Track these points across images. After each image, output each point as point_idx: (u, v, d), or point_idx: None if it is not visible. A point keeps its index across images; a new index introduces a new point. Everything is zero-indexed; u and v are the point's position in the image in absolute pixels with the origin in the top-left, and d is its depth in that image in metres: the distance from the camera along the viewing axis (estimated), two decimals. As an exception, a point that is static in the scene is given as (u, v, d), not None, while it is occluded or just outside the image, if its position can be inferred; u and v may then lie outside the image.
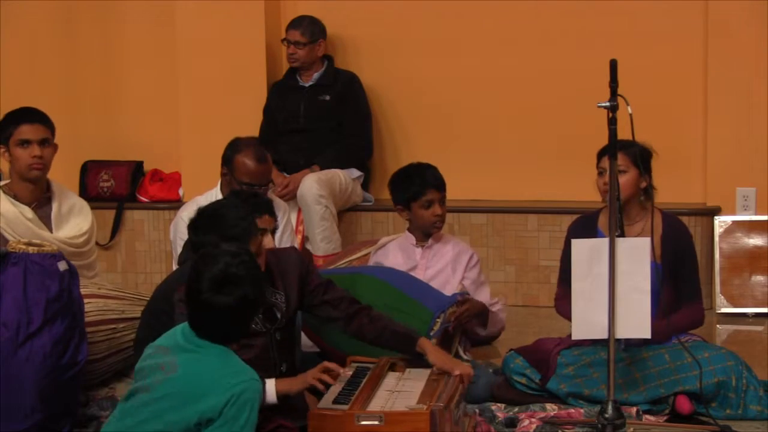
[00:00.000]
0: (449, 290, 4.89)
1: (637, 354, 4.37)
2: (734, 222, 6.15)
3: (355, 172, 6.60)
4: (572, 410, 4.30)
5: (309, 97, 6.63)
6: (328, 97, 6.61)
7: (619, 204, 4.09)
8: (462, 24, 6.76)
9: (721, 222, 6.16)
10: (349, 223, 6.62)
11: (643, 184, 4.48)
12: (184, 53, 6.98)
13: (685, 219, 5.02)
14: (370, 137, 6.72)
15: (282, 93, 6.72)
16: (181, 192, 6.99)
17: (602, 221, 4.52)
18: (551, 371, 4.42)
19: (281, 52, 6.98)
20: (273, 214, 4.36)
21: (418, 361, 3.89)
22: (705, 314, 4.59)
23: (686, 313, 4.48)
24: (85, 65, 7.45)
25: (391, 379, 3.81)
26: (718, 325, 5.89)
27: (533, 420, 4.20)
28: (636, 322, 3.97)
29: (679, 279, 4.48)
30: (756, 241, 6.11)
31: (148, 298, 4.49)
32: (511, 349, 4.61)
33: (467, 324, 4.83)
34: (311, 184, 6.24)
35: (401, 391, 3.69)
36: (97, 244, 5.16)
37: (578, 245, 4.03)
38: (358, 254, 5.34)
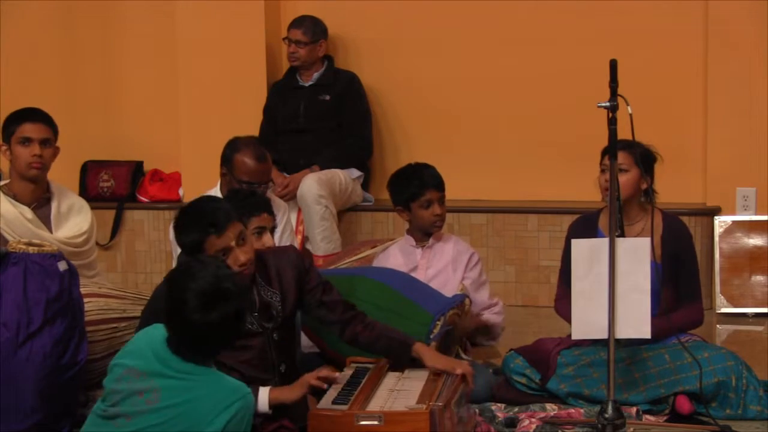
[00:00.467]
0: (449, 290, 4.88)
1: (637, 354, 4.37)
2: (734, 222, 6.15)
3: (355, 172, 6.60)
4: (572, 410, 4.30)
5: (309, 97, 6.63)
6: (328, 97, 6.61)
7: (619, 204, 4.09)
8: (462, 24, 6.76)
9: (721, 222, 6.16)
10: (349, 223, 6.62)
11: (644, 185, 4.48)
12: (184, 53, 6.98)
13: (685, 219, 5.01)
14: (370, 137, 6.73)
15: (282, 93, 6.72)
16: (181, 192, 7.00)
17: (602, 221, 4.52)
18: (551, 371, 4.42)
19: (281, 52, 6.99)
20: (271, 212, 4.36)
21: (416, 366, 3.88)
22: (704, 315, 4.59)
23: (685, 313, 4.48)
24: (85, 65, 7.45)
25: (390, 379, 3.81)
26: (718, 325, 5.89)
27: (533, 420, 4.20)
28: (636, 322, 3.96)
29: (679, 279, 4.48)
30: (756, 241, 6.11)
31: (148, 298, 4.49)
32: (511, 349, 4.61)
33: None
34: (311, 184, 6.24)
35: (401, 390, 3.69)
36: (97, 244, 5.16)
37: (578, 245, 4.03)
38: (358, 255, 5.34)
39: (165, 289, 3.27)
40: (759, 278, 6.05)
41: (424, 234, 5.07)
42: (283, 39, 6.72)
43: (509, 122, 6.72)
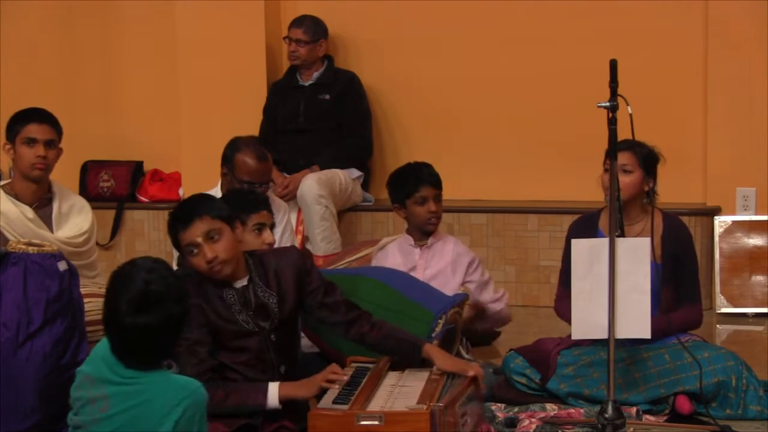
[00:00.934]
0: (448, 291, 4.88)
1: (637, 354, 4.36)
2: (734, 222, 6.15)
3: (355, 172, 6.60)
4: (572, 410, 4.30)
5: (309, 97, 6.63)
6: (327, 97, 6.61)
7: (619, 204, 4.08)
8: (462, 24, 6.76)
9: (721, 222, 6.16)
10: (349, 223, 6.62)
11: (647, 187, 4.48)
12: (184, 53, 6.99)
13: (685, 219, 5.02)
14: (370, 137, 6.73)
15: (282, 93, 6.72)
16: (181, 192, 7.00)
17: (603, 221, 4.52)
18: (551, 371, 4.42)
19: (281, 52, 6.99)
20: (270, 210, 4.36)
21: (423, 367, 3.88)
22: (703, 316, 4.59)
23: (684, 314, 4.48)
24: (85, 65, 7.46)
25: (391, 379, 3.81)
26: (718, 325, 5.89)
27: (533, 420, 4.20)
28: (636, 322, 3.96)
29: (679, 280, 4.48)
30: (756, 241, 6.11)
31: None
32: (511, 349, 4.61)
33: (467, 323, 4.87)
34: (311, 184, 6.24)
35: (401, 390, 3.69)
36: (97, 244, 5.16)
37: (578, 245, 4.03)
38: (358, 254, 5.34)
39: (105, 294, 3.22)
40: (759, 278, 6.05)
41: (422, 233, 5.07)
42: (284, 38, 6.73)
43: (509, 122, 6.72)
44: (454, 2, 6.75)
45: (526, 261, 6.40)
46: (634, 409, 4.26)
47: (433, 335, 4.42)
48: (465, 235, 6.35)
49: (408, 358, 3.89)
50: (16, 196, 4.66)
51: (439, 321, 4.47)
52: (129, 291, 3.09)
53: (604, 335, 3.95)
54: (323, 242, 6.20)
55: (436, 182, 5.01)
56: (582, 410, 4.30)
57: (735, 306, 6.05)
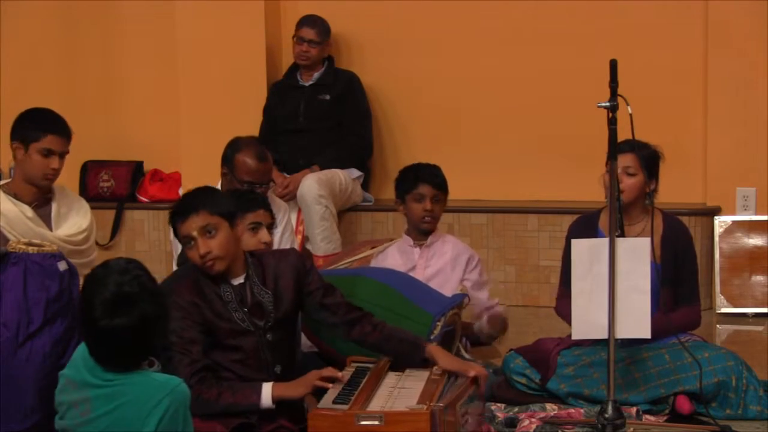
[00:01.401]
0: (448, 290, 4.89)
1: (637, 354, 4.37)
2: (734, 222, 6.15)
3: (355, 172, 6.60)
4: (572, 410, 4.30)
5: (309, 97, 6.63)
6: (328, 97, 6.61)
7: (619, 204, 4.08)
8: (462, 24, 6.76)
9: (721, 222, 6.16)
10: (349, 223, 6.62)
11: (649, 188, 4.48)
12: (184, 53, 6.98)
13: (685, 219, 5.02)
14: (370, 137, 6.73)
15: (282, 93, 6.72)
16: (181, 192, 6.99)
17: (603, 221, 4.52)
18: (551, 371, 4.42)
19: (281, 52, 6.99)
20: (268, 209, 4.35)
21: (425, 367, 3.88)
22: (702, 317, 4.60)
23: (683, 314, 4.48)
24: (85, 65, 7.46)
25: (391, 379, 3.81)
26: (718, 325, 5.89)
27: (533, 420, 4.20)
28: (636, 322, 3.97)
29: (678, 280, 4.48)
30: (756, 241, 6.11)
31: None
32: (511, 349, 4.61)
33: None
34: (311, 184, 6.24)
35: (401, 390, 3.69)
36: (97, 244, 5.16)
37: (578, 245, 4.03)
38: (359, 255, 5.34)
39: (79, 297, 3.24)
40: (759, 278, 6.05)
41: (420, 232, 5.08)
42: (294, 37, 6.68)
43: (509, 122, 6.72)
44: (454, 2, 6.75)
45: (526, 261, 6.40)
46: (634, 409, 4.26)
47: (432, 337, 4.41)
48: (465, 235, 6.35)
49: (410, 359, 3.89)
50: (15, 196, 4.65)
51: (438, 323, 4.47)
52: (102, 294, 3.07)
53: (604, 335, 3.95)
54: (323, 242, 6.20)
55: (436, 183, 5.04)
56: (582, 410, 4.30)
57: (735, 306, 6.05)
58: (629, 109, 3.82)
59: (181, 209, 3.80)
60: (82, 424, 3.16)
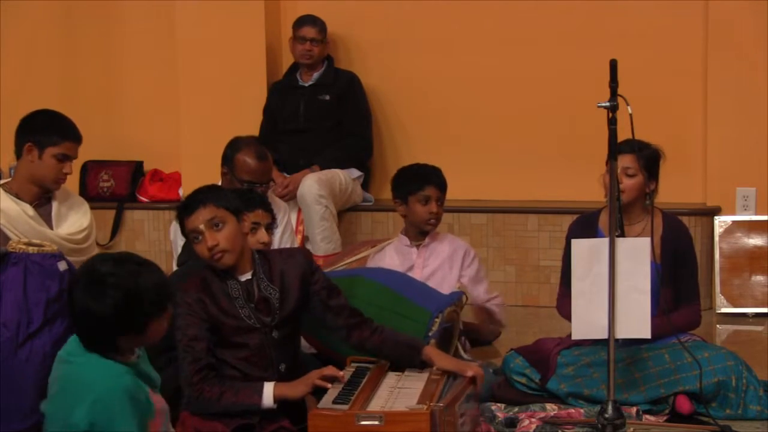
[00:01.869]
0: (447, 287, 4.90)
1: (637, 354, 4.37)
2: (734, 222, 6.15)
3: (355, 172, 6.60)
4: (572, 410, 4.30)
5: (309, 97, 6.63)
6: (328, 97, 6.61)
7: (619, 204, 4.09)
8: (462, 24, 6.76)
9: (721, 222, 6.16)
10: (349, 223, 6.62)
11: (649, 189, 4.48)
12: (184, 53, 6.99)
13: (685, 219, 5.02)
14: (370, 137, 6.73)
15: (282, 93, 6.73)
16: (181, 192, 6.99)
17: (603, 221, 4.52)
18: (551, 371, 4.42)
19: (281, 52, 6.99)
20: (267, 209, 4.35)
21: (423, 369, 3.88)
22: (702, 316, 4.60)
23: (683, 314, 4.48)
24: (85, 65, 7.46)
25: (391, 379, 3.81)
26: (718, 325, 5.89)
27: (533, 420, 4.20)
28: (636, 322, 3.96)
29: (678, 280, 4.48)
30: (756, 241, 6.11)
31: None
32: (511, 349, 4.61)
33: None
34: (311, 184, 6.24)
35: (401, 390, 3.69)
36: (97, 244, 5.16)
37: (578, 245, 4.03)
38: (358, 255, 5.35)
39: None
40: (759, 278, 6.05)
41: (419, 233, 5.09)
42: (296, 38, 6.67)
43: (509, 122, 6.72)
44: (454, 2, 6.75)
45: (526, 261, 6.40)
46: (634, 409, 4.26)
47: (430, 334, 4.42)
48: (465, 235, 6.35)
49: (408, 361, 3.90)
50: (17, 195, 4.65)
51: (436, 320, 4.48)
52: (87, 273, 3.16)
53: (604, 335, 3.95)
54: (323, 242, 6.20)
55: (441, 185, 5.08)
56: (582, 410, 4.30)
57: (735, 306, 6.05)
58: (629, 109, 3.82)
59: (187, 204, 3.82)
60: (46, 403, 3.22)
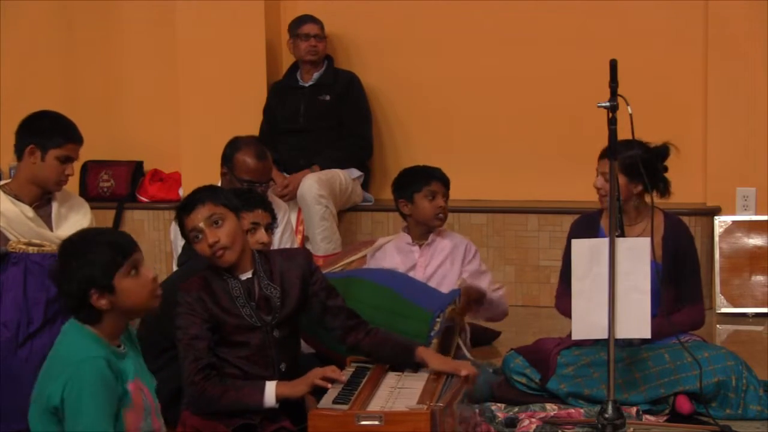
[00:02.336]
0: (449, 283, 4.91)
1: (637, 354, 4.37)
2: (734, 222, 6.15)
3: (355, 172, 6.60)
4: (572, 410, 4.30)
5: (309, 97, 6.63)
6: (328, 97, 6.61)
7: (619, 204, 4.09)
8: (462, 24, 6.76)
9: (721, 222, 6.16)
10: (349, 223, 6.62)
11: (636, 190, 4.47)
12: (184, 53, 6.99)
13: (685, 219, 5.02)
14: (370, 137, 6.73)
15: (282, 93, 6.72)
16: (181, 192, 6.99)
17: (605, 220, 4.52)
18: (551, 371, 4.42)
19: (281, 52, 6.99)
20: (267, 209, 4.35)
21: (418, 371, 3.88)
22: (705, 316, 4.59)
23: (686, 314, 4.48)
24: (85, 65, 7.46)
25: (391, 379, 3.81)
26: (718, 325, 5.90)
27: (533, 420, 4.20)
28: (636, 322, 3.97)
29: (681, 280, 4.48)
30: (756, 241, 6.11)
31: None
32: (511, 349, 4.62)
33: (468, 310, 4.88)
34: (311, 184, 6.24)
35: (401, 391, 3.69)
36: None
37: (578, 245, 4.03)
38: (358, 255, 5.35)
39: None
40: (759, 278, 6.06)
41: (425, 231, 5.09)
42: (298, 36, 6.66)
43: (509, 122, 6.72)
44: (454, 2, 6.75)
45: (526, 261, 6.40)
46: (634, 409, 4.26)
47: (432, 333, 4.43)
48: (465, 235, 6.31)
49: (403, 363, 3.90)
50: (16, 196, 4.65)
51: (437, 319, 4.49)
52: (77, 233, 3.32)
53: (604, 335, 3.95)
54: (323, 242, 6.20)
55: (446, 181, 5.12)
56: (582, 410, 4.30)
57: (735, 306, 6.05)
58: (629, 109, 3.82)
59: (186, 204, 3.83)
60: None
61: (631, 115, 3.84)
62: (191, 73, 6.98)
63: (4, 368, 3.97)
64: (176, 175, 7.14)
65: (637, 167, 4.27)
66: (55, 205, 4.73)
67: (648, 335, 4.00)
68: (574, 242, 4.04)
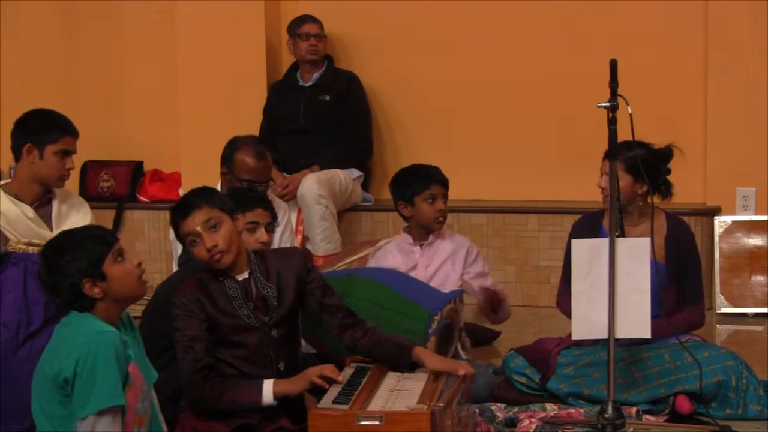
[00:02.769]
0: (450, 284, 4.91)
1: (637, 354, 4.37)
2: (734, 222, 6.15)
3: (355, 172, 6.60)
4: (572, 410, 4.30)
5: (309, 97, 6.63)
6: (328, 97, 6.61)
7: (619, 204, 4.09)
8: (462, 24, 6.76)
9: (721, 222, 6.16)
10: (349, 223, 6.62)
11: (641, 190, 4.48)
12: (184, 53, 6.99)
13: (685, 219, 5.02)
14: (370, 137, 6.73)
15: (282, 93, 6.72)
16: (181, 192, 6.99)
17: (607, 220, 4.52)
18: (551, 371, 4.42)
19: (281, 52, 6.99)
20: (267, 208, 4.35)
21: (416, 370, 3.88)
22: (706, 316, 4.60)
23: (687, 314, 4.48)
24: (85, 65, 7.46)
25: (391, 379, 3.81)
26: (718, 325, 5.90)
27: (533, 420, 4.20)
28: (636, 322, 3.97)
29: (682, 281, 4.48)
30: (756, 241, 6.11)
31: (149, 298, 4.48)
32: (511, 349, 4.62)
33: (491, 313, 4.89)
34: (311, 184, 6.24)
35: (401, 391, 3.69)
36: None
37: (578, 245, 4.03)
38: (358, 254, 5.35)
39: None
40: (759, 278, 6.06)
41: (425, 232, 5.09)
42: (298, 36, 6.66)
43: (509, 122, 6.72)
44: (455, 2, 6.75)
45: (526, 261, 6.40)
46: (634, 409, 4.26)
47: (430, 332, 4.43)
48: (465, 235, 6.32)
49: (399, 363, 3.89)
50: (16, 196, 4.65)
51: (435, 318, 4.49)
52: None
53: (604, 335, 3.95)
54: (323, 242, 6.20)
55: (444, 182, 5.10)
56: (582, 410, 4.30)
57: (735, 306, 6.05)
58: (629, 109, 3.82)
59: (181, 207, 3.81)
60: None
61: (631, 115, 3.84)
62: (191, 73, 6.98)
63: (4, 368, 3.97)
64: (176, 175, 7.14)
65: (640, 166, 4.29)
66: (55, 205, 4.73)
67: (648, 335, 4.00)
68: (574, 242, 4.04)
